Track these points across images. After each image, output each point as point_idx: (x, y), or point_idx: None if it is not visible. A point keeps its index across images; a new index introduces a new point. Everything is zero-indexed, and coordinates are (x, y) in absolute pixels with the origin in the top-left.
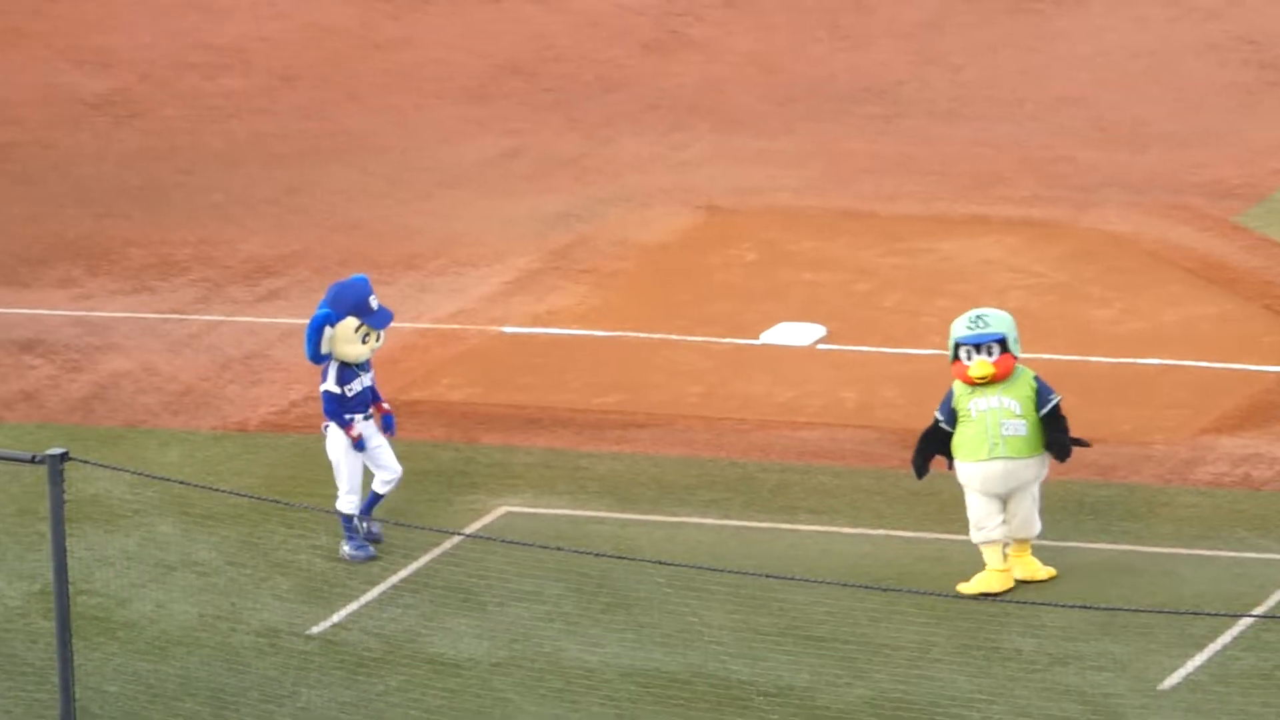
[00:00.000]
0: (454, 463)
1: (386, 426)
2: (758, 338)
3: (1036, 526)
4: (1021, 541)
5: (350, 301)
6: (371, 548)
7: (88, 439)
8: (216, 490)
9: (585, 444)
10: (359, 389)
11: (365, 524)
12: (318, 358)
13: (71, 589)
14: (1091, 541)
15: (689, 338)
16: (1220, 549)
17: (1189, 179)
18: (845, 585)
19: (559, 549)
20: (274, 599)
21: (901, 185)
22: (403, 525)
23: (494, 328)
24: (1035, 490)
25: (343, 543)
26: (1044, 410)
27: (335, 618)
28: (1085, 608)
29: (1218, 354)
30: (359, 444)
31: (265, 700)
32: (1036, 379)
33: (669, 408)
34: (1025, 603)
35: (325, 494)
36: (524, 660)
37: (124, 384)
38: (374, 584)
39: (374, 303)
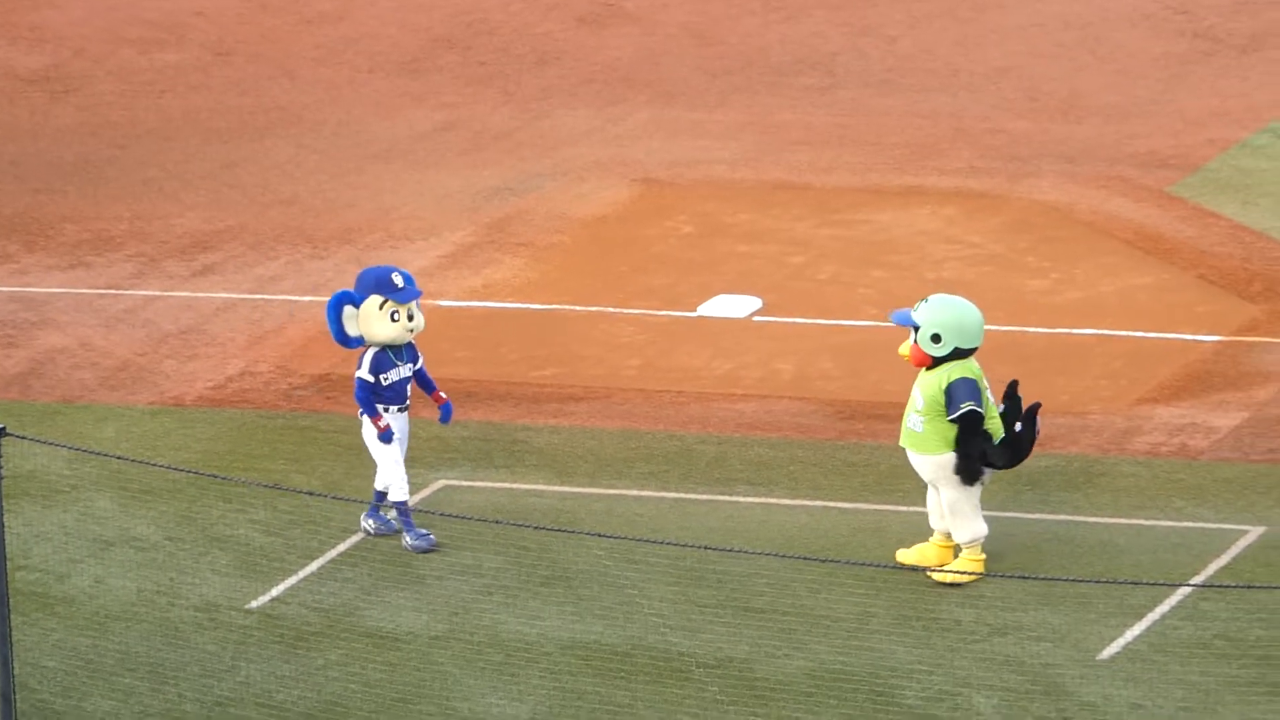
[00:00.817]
0: None
1: (443, 416)
2: (694, 310)
3: (958, 531)
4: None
5: (372, 280)
6: (432, 536)
7: (24, 414)
8: (154, 465)
9: (522, 417)
10: (395, 379)
11: (377, 521)
12: (343, 338)
13: (9, 565)
14: (1029, 512)
15: (626, 310)
16: (1158, 519)
17: (1124, 149)
18: (784, 556)
19: (497, 522)
20: (213, 573)
21: (837, 157)
22: (340, 499)
23: (430, 301)
24: (946, 492)
25: (404, 535)
26: (951, 416)
27: (274, 592)
28: (1024, 578)
29: (1154, 324)
30: (385, 435)
31: (205, 675)
32: (955, 383)
33: (606, 380)
34: (964, 573)
35: (262, 469)
36: (463, 633)
37: (60, 360)
38: (312, 558)
39: (398, 280)
